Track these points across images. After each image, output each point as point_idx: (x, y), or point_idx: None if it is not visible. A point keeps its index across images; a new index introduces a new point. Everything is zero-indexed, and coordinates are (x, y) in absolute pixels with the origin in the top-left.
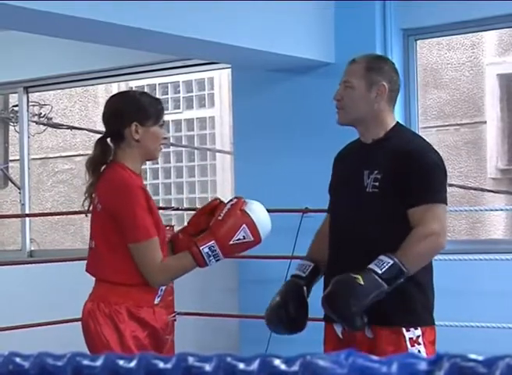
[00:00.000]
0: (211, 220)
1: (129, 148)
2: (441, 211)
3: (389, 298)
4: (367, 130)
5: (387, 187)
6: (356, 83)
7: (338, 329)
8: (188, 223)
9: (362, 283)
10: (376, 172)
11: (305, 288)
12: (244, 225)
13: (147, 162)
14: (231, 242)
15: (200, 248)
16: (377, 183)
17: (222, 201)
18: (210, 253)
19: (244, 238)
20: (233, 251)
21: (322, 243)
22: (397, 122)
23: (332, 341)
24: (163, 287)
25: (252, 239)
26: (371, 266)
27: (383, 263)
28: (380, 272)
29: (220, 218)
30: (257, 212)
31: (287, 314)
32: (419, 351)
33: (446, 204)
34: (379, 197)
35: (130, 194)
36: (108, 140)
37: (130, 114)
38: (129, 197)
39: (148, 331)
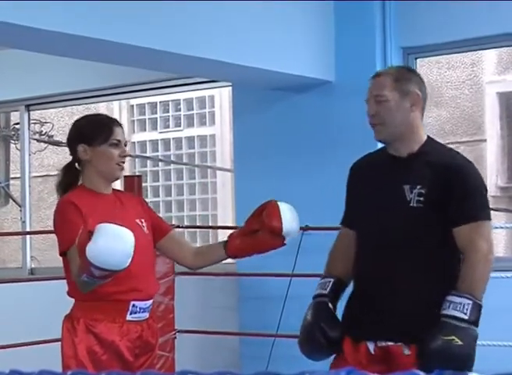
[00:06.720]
0: (264, 222)
1: (86, 169)
2: (487, 228)
3: (422, 317)
4: (403, 143)
5: (432, 202)
6: (389, 95)
7: (371, 345)
8: (244, 223)
9: (461, 343)
10: (419, 187)
11: (331, 305)
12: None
13: (148, 180)
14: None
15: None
16: (422, 198)
17: (275, 202)
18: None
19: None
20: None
21: (341, 260)
22: (428, 135)
23: (357, 358)
24: (136, 303)
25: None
26: (453, 312)
27: (463, 306)
28: (467, 317)
29: None
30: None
31: (325, 337)
32: None
33: (491, 220)
34: (424, 212)
35: (58, 211)
36: (77, 165)
37: (76, 137)
38: (57, 213)
39: (107, 347)
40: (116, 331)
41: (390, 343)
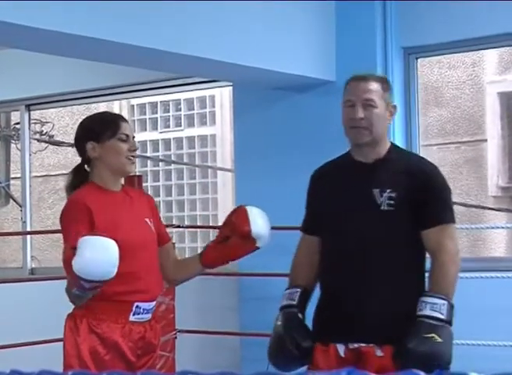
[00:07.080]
0: (234, 227)
1: (95, 167)
2: (454, 230)
3: (397, 318)
4: (373, 149)
5: (403, 205)
6: (378, 103)
7: (340, 348)
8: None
9: (441, 340)
10: (389, 190)
11: (300, 315)
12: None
13: (148, 180)
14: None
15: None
16: (392, 202)
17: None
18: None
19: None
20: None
21: (305, 267)
22: (391, 142)
23: (327, 362)
24: (139, 304)
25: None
26: (430, 312)
27: (439, 306)
28: (444, 317)
29: None
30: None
31: (297, 347)
32: None
33: (455, 222)
34: (395, 215)
35: (66, 209)
36: (86, 166)
37: (83, 135)
38: (65, 212)
39: (109, 347)
40: (119, 331)
41: (362, 344)
